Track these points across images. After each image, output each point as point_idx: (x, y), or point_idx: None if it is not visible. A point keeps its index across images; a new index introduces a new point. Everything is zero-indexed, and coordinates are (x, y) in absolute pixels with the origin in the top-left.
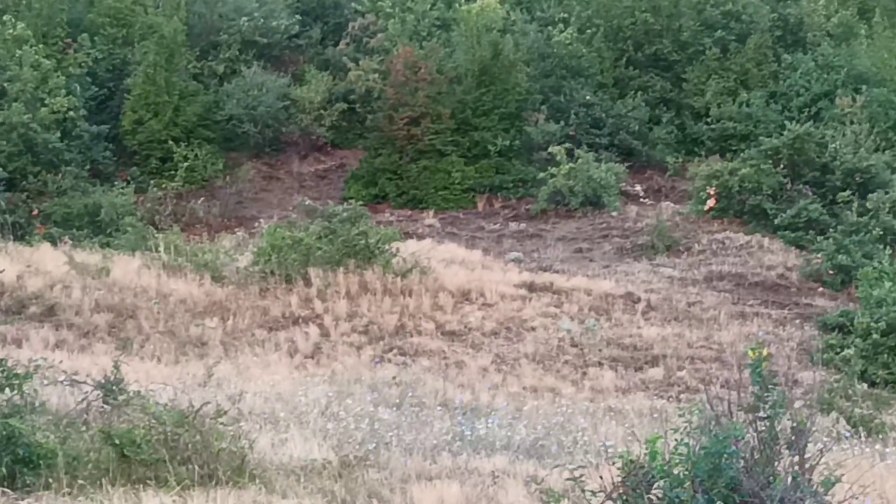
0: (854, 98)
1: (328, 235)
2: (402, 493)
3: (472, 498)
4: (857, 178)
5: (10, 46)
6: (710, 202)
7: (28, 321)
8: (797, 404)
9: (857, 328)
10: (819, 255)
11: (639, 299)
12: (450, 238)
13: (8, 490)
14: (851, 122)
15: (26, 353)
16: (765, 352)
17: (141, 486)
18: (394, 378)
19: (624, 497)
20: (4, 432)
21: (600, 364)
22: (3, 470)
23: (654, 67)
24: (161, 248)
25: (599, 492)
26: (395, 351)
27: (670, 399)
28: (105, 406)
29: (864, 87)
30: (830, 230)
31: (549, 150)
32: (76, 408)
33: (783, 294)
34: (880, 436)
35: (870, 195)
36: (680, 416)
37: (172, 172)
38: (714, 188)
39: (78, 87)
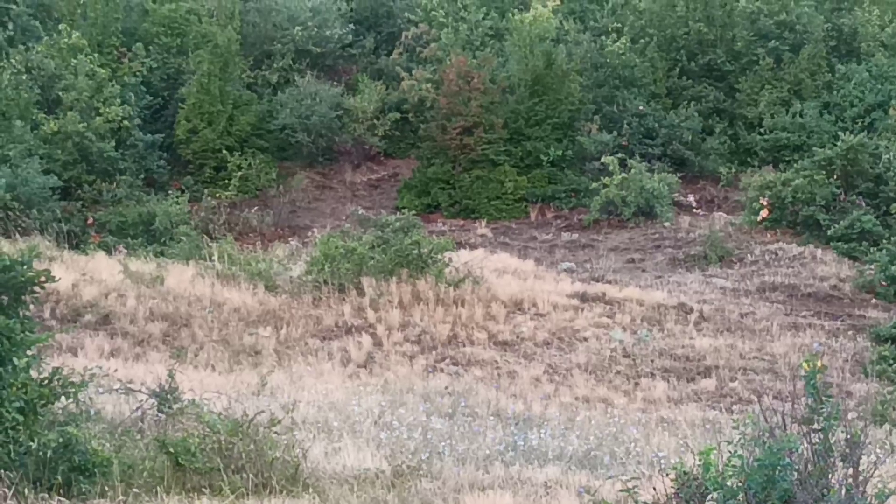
0: None
1: (381, 245)
2: (454, 502)
3: None
4: None
5: (65, 56)
6: (763, 213)
7: (83, 329)
8: (851, 416)
9: None
10: (872, 266)
11: (691, 310)
12: (502, 248)
13: (63, 498)
14: None
15: (81, 362)
16: (819, 363)
17: (195, 494)
18: (446, 388)
19: None
20: (61, 440)
21: (652, 375)
22: (59, 478)
23: (707, 77)
24: (215, 257)
25: (652, 503)
26: (447, 361)
27: (723, 410)
28: (160, 414)
29: None
30: (884, 241)
31: (602, 160)
32: (131, 416)
33: (836, 305)
34: None
35: None
36: (733, 427)
37: (226, 181)
38: (767, 199)
39: (132, 97)
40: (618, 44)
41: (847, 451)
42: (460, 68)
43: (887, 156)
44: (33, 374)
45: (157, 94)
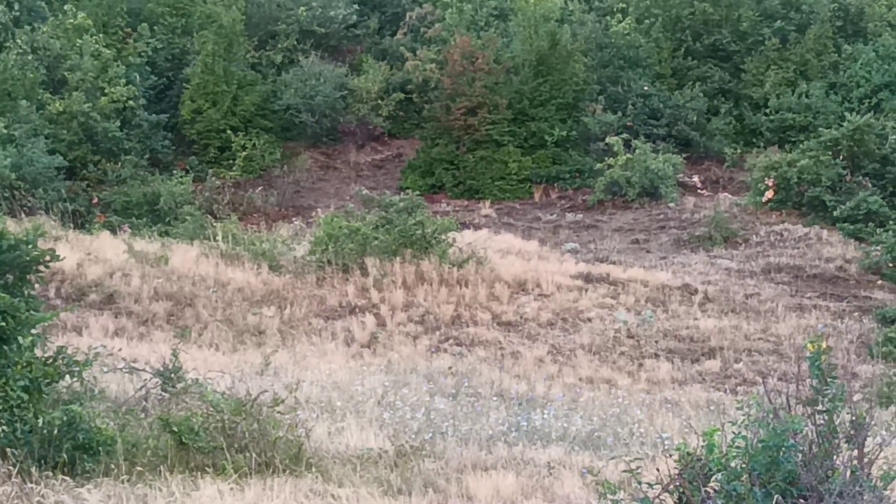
0: None
1: (385, 225)
2: (457, 482)
3: (527, 488)
4: None
5: (70, 36)
6: (769, 193)
7: (88, 309)
8: (856, 398)
9: None
10: (878, 248)
11: (696, 291)
12: (506, 228)
13: (68, 476)
14: None
15: (86, 341)
16: (824, 345)
17: (199, 473)
18: (450, 368)
19: (681, 490)
20: (65, 419)
21: (657, 355)
22: (64, 456)
23: (712, 58)
24: (219, 237)
25: (656, 484)
26: (450, 341)
27: (727, 391)
28: (164, 394)
29: None
30: (890, 222)
31: (607, 140)
32: (135, 395)
33: (842, 286)
34: None
35: None
36: (738, 408)
37: (230, 162)
38: (772, 179)
39: (137, 77)
40: (623, 24)
41: (852, 432)
42: (464, 48)
43: (894, 136)
44: (38, 352)
45: (161, 74)
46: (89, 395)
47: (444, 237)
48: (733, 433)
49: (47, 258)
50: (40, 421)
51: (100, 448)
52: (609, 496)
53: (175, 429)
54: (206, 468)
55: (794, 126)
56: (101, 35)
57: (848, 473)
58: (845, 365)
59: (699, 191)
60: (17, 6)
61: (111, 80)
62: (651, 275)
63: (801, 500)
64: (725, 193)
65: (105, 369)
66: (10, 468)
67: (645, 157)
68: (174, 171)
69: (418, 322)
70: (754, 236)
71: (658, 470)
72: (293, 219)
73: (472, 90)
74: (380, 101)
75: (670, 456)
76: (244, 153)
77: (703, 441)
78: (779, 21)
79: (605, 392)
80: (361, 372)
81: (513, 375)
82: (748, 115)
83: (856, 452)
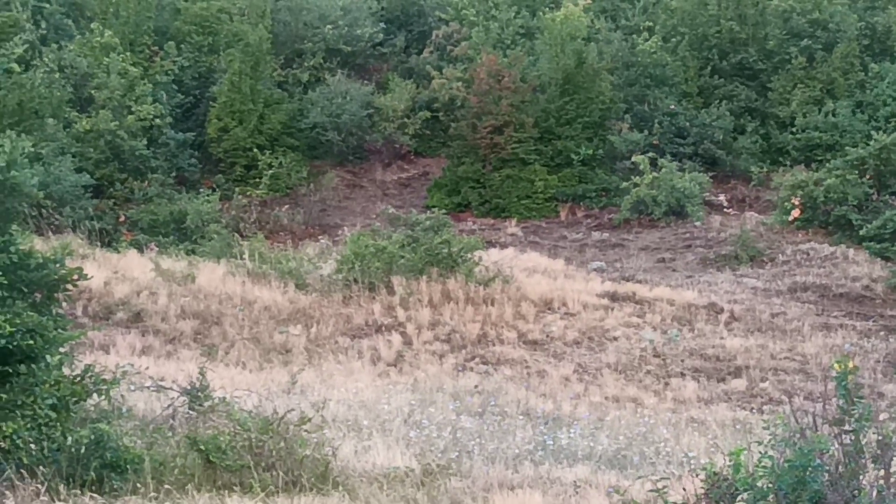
0: None
1: (411, 244)
2: (483, 501)
3: None
4: None
5: (97, 54)
6: (795, 212)
7: (115, 327)
8: (882, 417)
9: None
10: None
11: (722, 310)
12: (532, 247)
13: (96, 494)
14: None
15: (113, 359)
16: (850, 364)
17: (226, 491)
18: (476, 387)
19: None
20: (93, 437)
21: (683, 374)
22: (92, 474)
23: (738, 76)
24: (246, 256)
25: (682, 503)
26: (477, 360)
27: (753, 410)
28: (191, 412)
29: None
30: None
31: (633, 159)
32: (162, 413)
33: (868, 306)
34: None
35: None
36: (764, 428)
37: (257, 180)
38: (799, 198)
39: (164, 95)
40: (649, 42)
41: (878, 452)
42: (491, 67)
43: None
44: (66, 371)
45: (188, 92)
46: (117, 414)
47: (470, 256)
48: (760, 453)
49: (75, 277)
50: (68, 439)
51: (127, 466)
52: None
53: (202, 447)
54: (234, 486)
55: (821, 145)
56: (128, 53)
57: (874, 493)
58: (872, 384)
59: (725, 210)
60: (44, 24)
61: (138, 99)
62: (677, 294)
63: None
64: (752, 212)
65: (132, 388)
66: (39, 486)
67: (671, 176)
68: (201, 190)
69: (444, 340)
70: (780, 255)
71: (685, 489)
72: (319, 237)
73: (498, 108)
74: (406, 120)
75: (697, 475)
76: (270, 171)
77: (730, 460)
78: (805, 39)
79: (631, 411)
80: (388, 390)
81: (539, 394)
82: (774, 134)
83: (882, 472)
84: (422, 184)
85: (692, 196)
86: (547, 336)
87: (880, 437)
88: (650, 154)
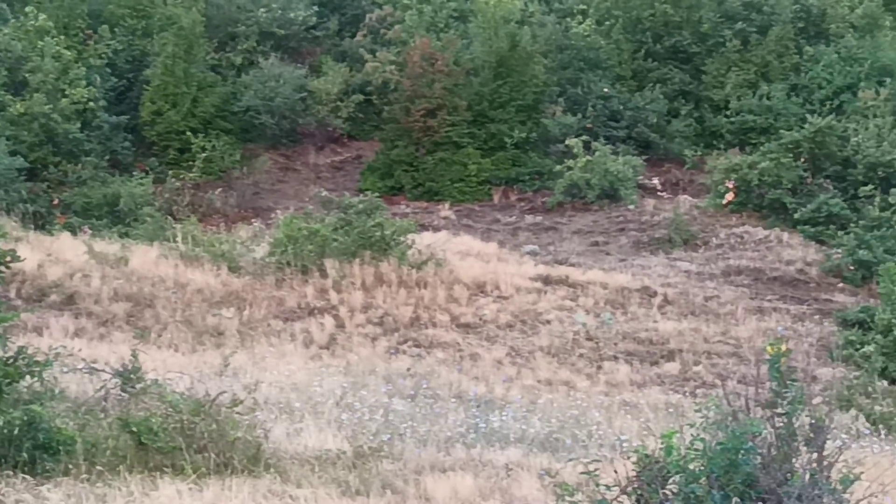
0: (877, 91)
1: (344, 227)
2: (415, 484)
3: (485, 490)
4: (879, 173)
5: (31, 38)
6: (729, 196)
7: (48, 309)
8: (816, 401)
9: (877, 324)
10: (839, 251)
11: (655, 293)
12: (465, 230)
13: (28, 476)
14: (874, 116)
15: (46, 341)
16: (783, 347)
17: (157, 473)
18: (408, 370)
19: (639, 491)
20: (25, 418)
21: (616, 358)
22: (24, 455)
23: (673, 59)
24: (179, 239)
25: (614, 486)
26: (409, 343)
27: (686, 394)
28: (123, 394)
29: (887, 80)
30: (851, 225)
31: (566, 142)
32: (95, 395)
33: (802, 289)
34: None
35: (892, 190)
36: (696, 411)
37: (190, 163)
38: (733, 182)
39: (98, 78)
40: (583, 26)
41: (811, 435)
42: (424, 50)
43: (856, 139)
44: None
45: (122, 75)
46: (49, 396)
47: (403, 239)
48: (692, 435)
49: (8, 259)
50: (0, 421)
51: (60, 448)
52: (567, 498)
53: (134, 429)
54: (165, 468)
55: (755, 128)
56: (62, 37)
57: (807, 476)
58: (805, 368)
59: (659, 193)
60: None
61: (72, 82)
62: (610, 277)
63: (760, 503)
64: (685, 196)
65: (65, 370)
66: None
67: (605, 160)
68: (134, 173)
69: (377, 324)
70: (714, 239)
71: (616, 472)
72: (252, 220)
73: (431, 92)
74: (339, 103)
75: (629, 458)
76: (204, 155)
77: (662, 443)
78: (740, 23)
79: (563, 394)
80: (320, 373)
81: (471, 377)
82: (708, 117)
83: (815, 455)
84: (355, 167)
85: (626, 179)
86: (480, 319)
87: (813, 421)
88: (584, 137)
